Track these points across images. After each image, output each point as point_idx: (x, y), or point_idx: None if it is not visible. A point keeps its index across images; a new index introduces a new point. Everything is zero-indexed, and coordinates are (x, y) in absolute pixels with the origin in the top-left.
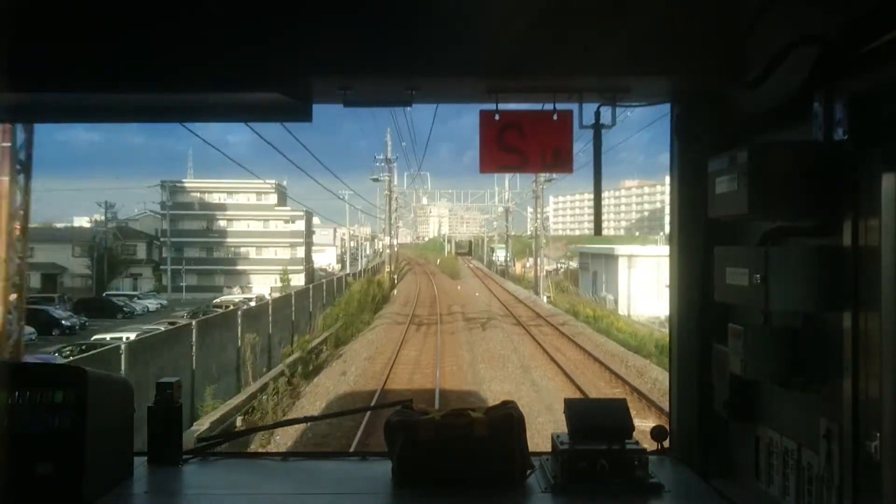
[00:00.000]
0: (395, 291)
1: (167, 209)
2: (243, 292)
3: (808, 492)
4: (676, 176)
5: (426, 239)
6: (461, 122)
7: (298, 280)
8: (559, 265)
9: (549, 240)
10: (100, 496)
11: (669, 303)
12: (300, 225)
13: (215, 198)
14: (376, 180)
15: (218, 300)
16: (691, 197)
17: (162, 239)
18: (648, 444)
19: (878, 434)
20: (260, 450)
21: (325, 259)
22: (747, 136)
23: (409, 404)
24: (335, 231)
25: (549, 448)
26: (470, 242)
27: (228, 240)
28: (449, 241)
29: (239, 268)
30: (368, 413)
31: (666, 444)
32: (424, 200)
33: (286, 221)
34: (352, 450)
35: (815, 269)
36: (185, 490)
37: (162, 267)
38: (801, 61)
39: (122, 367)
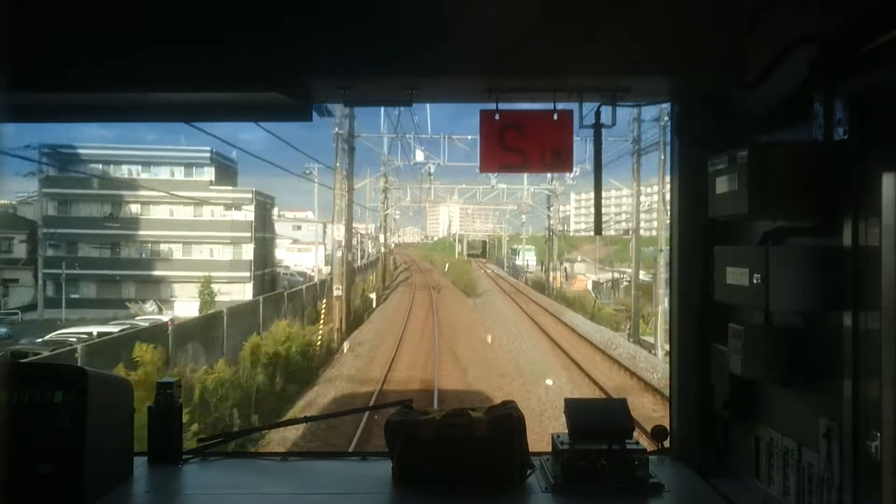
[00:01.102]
0: (346, 347)
1: (43, 186)
2: (161, 310)
3: (808, 492)
4: (676, 176)
5: (434, 239)
6: (474, 121)
7: (245, 292)
8: (617, 274)
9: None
10: (100, 496)
11: (669, 303)
12: (252, 213)
13: (125, 171)
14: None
15: (54, 335)
16: (691, 197)
17: (44, 230)
18: (648, 444)
19: (878, 434)
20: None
21: (312, 260)
22: (747, 136)
23: (409, 404)
24: (325, 226)
25: (549, 448)
26: (484, 243)
27: (142, 232)
28: (460, 241)
29: (156, 273)
30: (366, 416)
31: (666, 443)
32: (421, 156)
33: (228, 207)
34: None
35: (815, 269)
36: (185, 490)
37: (45, 270)
38: (801, 61)
39: None
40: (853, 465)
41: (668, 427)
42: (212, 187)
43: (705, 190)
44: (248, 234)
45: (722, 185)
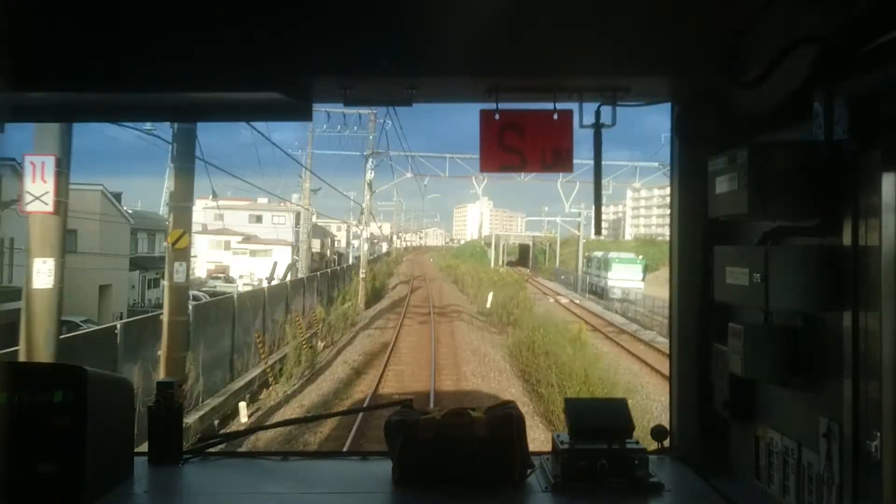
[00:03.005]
0: None
1: None
2: None
3: (808, 491)
4: (676, 176)
5: (461, 242)
6: None
7: None
8: None
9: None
10: (100, 496)
11: (669, 303)
12: None
13: None
14: None
15: None
16: (691, 197)
17: None
18: (648, 444)
19: (878, 434)
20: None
21: (270, 266)
22: (747, 136)
23: (409, 404)
24: (299, 218)
25: (549, 448)
26: (526, 247)
27: None
28: (495, 246)
29: None
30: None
31: (666, 443)
32: None
33: None
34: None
35: (815, 269)
36: (186, 490)
37: None
38: (801, 61)
39: None
40: (853, 465)
41: (668, 427)
42: None
43: (705, 190)
44: None
45: (722, 185)
